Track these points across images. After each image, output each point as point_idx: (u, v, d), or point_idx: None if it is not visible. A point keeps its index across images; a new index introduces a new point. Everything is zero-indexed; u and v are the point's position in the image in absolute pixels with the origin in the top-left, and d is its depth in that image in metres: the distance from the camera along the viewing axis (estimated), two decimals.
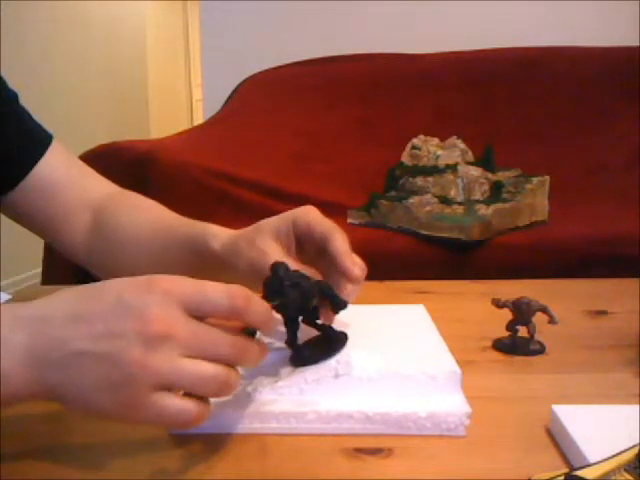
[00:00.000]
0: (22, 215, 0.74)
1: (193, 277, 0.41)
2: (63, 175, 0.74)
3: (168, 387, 0.39)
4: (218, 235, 0.59)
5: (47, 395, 0.39)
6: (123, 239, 0.71)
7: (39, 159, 0.72)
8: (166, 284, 0.39)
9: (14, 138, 0.71)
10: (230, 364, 0.41)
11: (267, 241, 0.54)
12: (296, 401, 0.47)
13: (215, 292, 0.40)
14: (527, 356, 0.61)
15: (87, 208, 0.74)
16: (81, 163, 0.77)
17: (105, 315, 0.39)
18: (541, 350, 0.61)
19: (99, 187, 0.76)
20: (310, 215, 0.55)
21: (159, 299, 0.39)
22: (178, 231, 0.64)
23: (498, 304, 0.63)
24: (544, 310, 0.61)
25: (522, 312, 0.62)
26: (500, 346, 0.62)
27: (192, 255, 0.61)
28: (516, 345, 0.62)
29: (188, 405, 0.39)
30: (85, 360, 0.38)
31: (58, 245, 0.75)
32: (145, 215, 0.72)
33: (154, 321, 0.38)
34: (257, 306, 0.41)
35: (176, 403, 0.39)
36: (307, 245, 0.55)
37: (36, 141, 0.73)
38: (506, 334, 0.63)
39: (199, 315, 0.40)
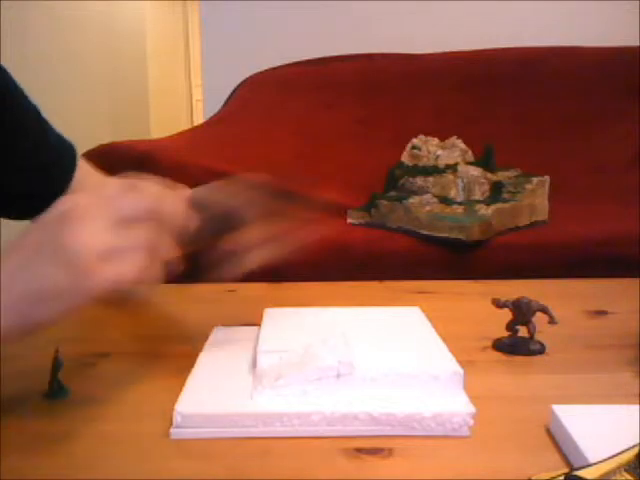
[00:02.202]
0: None
1: None
2: (87, 185, 0.74)
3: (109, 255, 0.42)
4: None
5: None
6: None
7: (72, 175, 0.72)
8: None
9: (44, 156, 0.71)
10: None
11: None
12: (299, 402, 0.47)
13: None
14: (527, 356, 0.61)
15: None
16: (96, 170, 0.78)
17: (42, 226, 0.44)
18: (541, 350, 0.61)
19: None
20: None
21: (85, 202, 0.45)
22: None
23: (498, 304, 0.64)
24: (544, 310, 0.61)
25: (522, 312, 0.62)
26: (500, 346, 0.62)
27: None
28: (516, 345, 0.62)
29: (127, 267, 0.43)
30: (36, 253, 0.42)
31: None
32: None
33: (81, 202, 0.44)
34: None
35: (120, 265, 0.43)
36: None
37: (65, 158, 0.74)
38: (506, 334, 0.63)
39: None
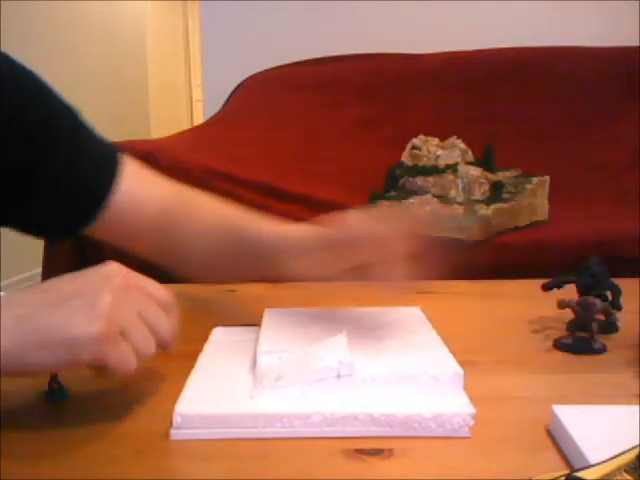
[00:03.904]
0: (108, 238, 0.72)
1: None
2: (138, 191, 0.70)
3: (123, 333, 0.45)
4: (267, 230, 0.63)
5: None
6: (188, 252, 0.71)
7: (115, 183, 0.68)
8: (122, 268, 0.48)
9: (87, 165, 0.68)
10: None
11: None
12: (299, 403, 0.47)
13: (158, 284, 0.50)
14: (590, 355, 0.60)
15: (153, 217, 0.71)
16: (144, 169, 0.73)
17: (70, 280, 0.46)
18: (603, 349, 0.61)
19: (159, 192, 0.73)
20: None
21: (119, 271, 0.47)
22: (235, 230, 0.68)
23: (562, 303, 0.63)
24: (607, 312, 0.62)
25: (588, 311, 0.61)
26: (561, 346, 0.62)
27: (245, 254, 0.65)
28: (579, 345, 0.61)
29: (133, 355, 0.45)
30: (60, 307, 0.44)
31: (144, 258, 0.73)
32: (205, 223, 0.71)
33: (116, 275, 0.46)
34: (176, 316, 0.50)
35: (129, 348, 0.45)
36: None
37: (109, 165, 0.69)
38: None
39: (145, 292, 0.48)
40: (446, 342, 0.54)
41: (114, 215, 0.68)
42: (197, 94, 5.81)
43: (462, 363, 0.49)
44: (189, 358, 0.54)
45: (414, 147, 1.86)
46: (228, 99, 2.23)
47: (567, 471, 0.37)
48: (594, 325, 0.61)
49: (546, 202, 1.67)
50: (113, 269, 0.47)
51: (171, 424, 0.45)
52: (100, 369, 0.45)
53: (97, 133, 0.71)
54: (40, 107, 0.65)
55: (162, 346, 0.49)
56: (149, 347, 0.46)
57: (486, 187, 1.71)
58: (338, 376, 0.48)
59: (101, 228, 0.69)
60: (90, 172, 0.68)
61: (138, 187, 0.71)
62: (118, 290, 0.45)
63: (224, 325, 0.63)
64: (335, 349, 0.51)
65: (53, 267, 1.54)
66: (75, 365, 0.45)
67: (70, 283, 0.46)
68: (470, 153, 1.84)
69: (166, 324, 0.48)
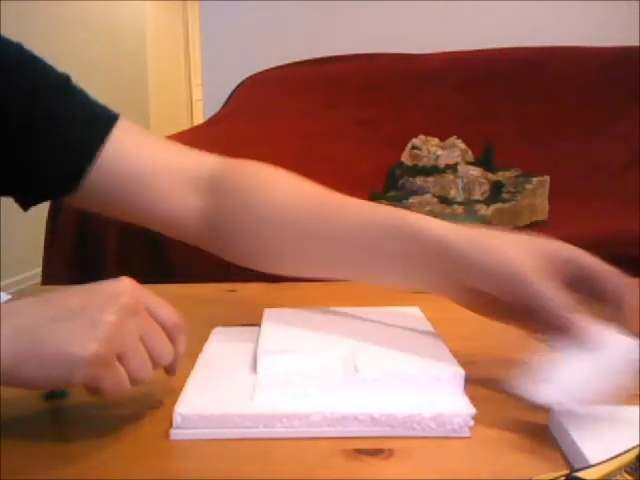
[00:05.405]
0: (99, 205, 0.68)
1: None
2: (142, 158, 0.66)
3: (121, 356, 0.43)
4: (440, 227, 0.55)
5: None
6: (278, 222, 0.65)
7: (103, 142, 0.64)
8: (133, 287, 0.46)
9: (74, 126, 0.65)
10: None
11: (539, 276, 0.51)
12: (299, 403, 0.47)
13: (169, 306, 0.48)
14: None
15: (190, 188, 0.66)
16: (161, 138, 0.70)
17: (78, 294, 0.45)
18: None
19: (197, 161, 0.68)
20: (585, 259, 0.55)
21: (129, 290, 0.45)
22: (369, 216, 0.59)
23: None
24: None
25: None
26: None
27: (404, 244, 0.56)
28: None
29: (127, 380, 0.44)
30: (61, 323, 0.42)
31: (158, 230, 0.68)
32: (301, 193, 0.67)
33: (125, 294, 0.44)
34: (184, 341, 0.48)
35: (124, 373, 0.44)
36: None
37: (99, 121, 0.66)
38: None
39: (153, 315, 0.46)
40: (446, 342, 0.54)
41: (103, 173, 0.64)
42: (197, 94, 5.80)
43: (462, 363, 0.49)
44: (189, 358, 0.54)
45: (414, 147, 1.86)
46: (228, 99, 2.23)
47: (567, 471, 0.37)
48: None
49: (546, 202, 1.67)
50: (123, 287, 0.45)
51: (171, 424, 0.45)
52: (91, 390, 0.44)
53: (92, 97, 0.69)
54: (20, 62, 0.64)
55: (164, 370, 0.48)
56: (146, 373, 0.45)
57: (486, 187, 1.71)
58: (338, 376, 0.48)
59: (89, 190, 0.64)
60: (78, 128, 0.65)
61: (131, 145, 0.67)
62: (124, 311, 0.43)
63: (224, 325, 0.63)
64: (335, 349, 0.51)
65: (53, 267, 1.54)
66: (67, 385, 0.44)
67: (76, 298, 0.44)
68: (470, 153, 1.84)
69: (168, 350, 0.46)
